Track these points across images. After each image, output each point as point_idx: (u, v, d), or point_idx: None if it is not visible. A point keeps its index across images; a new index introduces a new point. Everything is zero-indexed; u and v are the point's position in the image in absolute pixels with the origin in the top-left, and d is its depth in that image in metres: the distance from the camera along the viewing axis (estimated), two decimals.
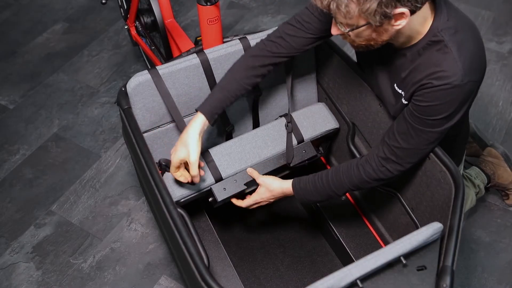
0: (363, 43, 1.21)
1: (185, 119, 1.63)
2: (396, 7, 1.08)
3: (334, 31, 1.22)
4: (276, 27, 1.49)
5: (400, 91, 1.33)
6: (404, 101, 1.32)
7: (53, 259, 2.00)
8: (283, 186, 1.51)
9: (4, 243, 2.05)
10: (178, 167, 1.45)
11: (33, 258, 2.01)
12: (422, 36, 1.22)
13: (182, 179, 1.47)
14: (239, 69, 1.47)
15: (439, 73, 1.18)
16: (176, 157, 1.43)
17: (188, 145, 1.40)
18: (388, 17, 1.10)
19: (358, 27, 1.15)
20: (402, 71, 1.30)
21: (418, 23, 1.20)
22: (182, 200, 1.55)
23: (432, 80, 1.19)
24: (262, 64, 1.46)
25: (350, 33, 1.18)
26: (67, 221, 2.11)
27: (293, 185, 1.49)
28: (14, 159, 2.33)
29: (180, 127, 1.56)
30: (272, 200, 1.57)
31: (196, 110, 1.45)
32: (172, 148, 1.45)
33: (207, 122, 1.44)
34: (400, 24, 1.13)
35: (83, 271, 1.97)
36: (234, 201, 1.60)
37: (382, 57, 1.37)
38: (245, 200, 1.58)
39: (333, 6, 1.11)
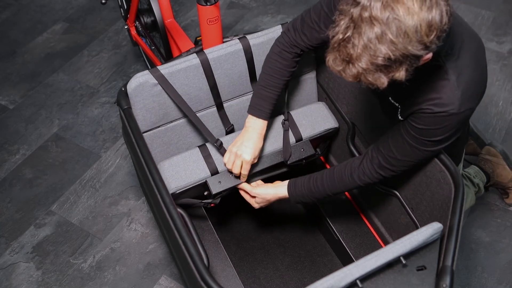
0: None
1: (184, 119, 1.63)
2: (422, 58, 1.06)
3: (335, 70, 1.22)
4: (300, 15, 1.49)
5: (396, 104, 1.34)
6: (400, 117, 1.33)
7: (53, 259, 2.00)
8: (278, 193, 1.55)
9: (4, 243, 2.05)
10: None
11: (33, 258, 2.01)
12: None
13: (233, 168, 1.56)
14: (276, 67, 1.51)
15: (437, 100, 1.19)
16: (232, 151, 1.54)
17: (247, 147, 1.53)
18: (414, 67, 1.09)
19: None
20: (401, 90, 1.27)
21: None
22: (178, 192, 1.56)
23: (431, 106, 1.20)
24: (294, 56, 1.50)
25: None
26: (67, 221, 2.11)
27: (288, 189, 1.53)
28: (14, 159, 2.33)
29: (195, 121, 1.59)
30: (263, 203, 1.62)
31: (250, 114, 1.54)
32: (233, 141, 1.56)
33: (266, 124, 1.55)
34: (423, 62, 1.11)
35: (83, 271, 1.97)
36: (242, 193, 1.65)
37: None
38: (247, 198, 1.64)
39: (362, 78, 1.09)
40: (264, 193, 1.57)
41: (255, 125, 1.54)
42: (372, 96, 1.53)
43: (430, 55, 1.07)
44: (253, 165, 1.62)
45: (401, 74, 1.06)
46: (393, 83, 1.24)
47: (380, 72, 1.06)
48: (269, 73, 1.51)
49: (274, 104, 1.54)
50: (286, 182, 1.55)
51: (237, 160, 1.54)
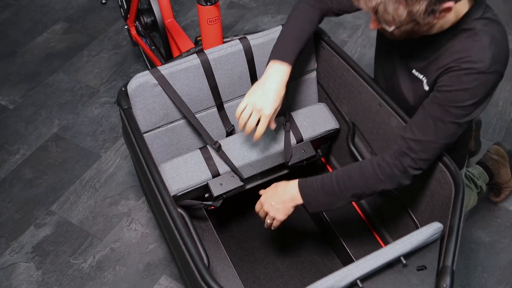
0: (403, 36, 1.22)
1: (185, 120, 1.63)
2: (443, 2, 1.10)
3: (373, 26, 1.22)
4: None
5: (420, 76, 1.32)
6: (425, 87, 1.31)
7: (53, 259, 2.00)
8: (289, 182, 1.40)
9: (4, 243, 2.05)
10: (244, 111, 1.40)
11: (33, 258, 2.01)
12: (454, 23, 1.22)
13: (248, 122, 1.41)
14: (302, 18, 1.47)
15: (466, 58, 1.18)
16: (250, 102, 1.39)
17: (268, 97, 1.37)
18: (434, 13, 1.12)
19: (402, 25, 1.16)
20: (426, 56, 1.29)
21: (455, 13, 1.20)
22: (179, 194, 1.56)
23: (459, 63, 1.19)
24: (319, 16, 1.49)
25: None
26: (67, 221, 2.11)
27: (299, 182, 1.38)
28: (14, 159, 2.33)
29: (194, 123, 1.57)
30: (278, 206, 1.42)
31: (272, 59, 1.42)
32: (249, 90, 1.41)
33: (289, 71, 1.40)
34: (445, 16, 1.14)
35: (83, 271, 1.97)
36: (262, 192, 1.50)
37: (403, 43, 1.35)
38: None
39: (381, 8, 1.12)
40: (275, 183, 1.43)
41: (278, 71, 1.39)
42: (390, 76, 1.46)
43: (451, 3, 1.09)
44: (253, 167, 1.62)
45: (421, 8, 1.08)
46: (418, 54, 1.28)
47: (399, 4, 1.08)
48: (295, 19, 1.46)
49: (298, 54, 1.43)
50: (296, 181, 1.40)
51: (255, 113, 1.39)
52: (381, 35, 1.47)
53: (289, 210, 1.42)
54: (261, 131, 1.42)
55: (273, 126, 1.49)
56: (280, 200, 1.41)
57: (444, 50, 1.24)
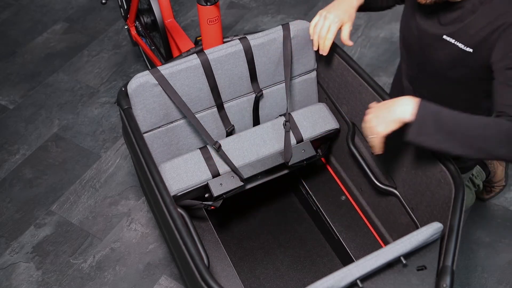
0: None
1: (185, 120, 1.63)
2: None
3: None
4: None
5: (452, 40, 1.34)
6: (465, 48, 1.31)
7: (53, 259, 2.00)
8: (406, 97, 1.23)
9: (4, 243, 2.05)
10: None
11: (33, 258, 2.01)
12: None
13: (320, 31, 1.50)
14: None
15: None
16: (322, 14, 1.48)
17: (338, 8, 1.46)
18: None
19: None
20: (459, 21, 1.31)
21: None
22: (179, 194, 1.56)
23: (507, 18, 1.21)
24: None
25: None
26: (67, 221, 2.11)
27: (420, 100, 1.20)
28: (14, 159, 2.33)
29: (194, 123, 1.57)
30: (382, 115, 1.24)
31: None
32: (326, 7, 1.50)
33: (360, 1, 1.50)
34: None
35: (83, 271, 1.97)
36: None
37: (430, 15, 1.38)
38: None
39: None
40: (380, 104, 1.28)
41: None
42: (420, 48, 1.46)
43: None
44: (253, 167, 1.62)
45: None
46: (449, 19, 1.33)
47: None
48: None
49: None
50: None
51: (326, 22, 1.47)
52: (406, 13, 1.50)
53: (391, 124, 1.22)
54: (330, 38, 1.48)
55: (347, 41, 1.50)
56: (387, 109, 1.23)
57: (479, 13, 1.26)
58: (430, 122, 1.16)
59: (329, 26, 1.47)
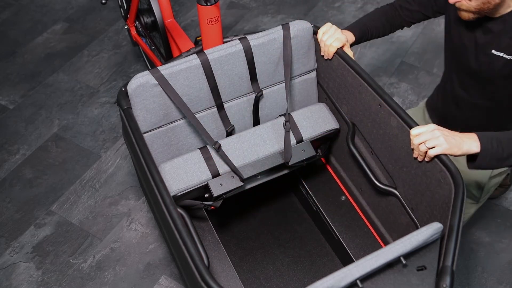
0: (478, 7, 1.37)
1: (185, 120, 1.63)
2: None
3: (452, 0, 1.38)
4: None
5: (501, 54, 1.45)
6: (509, 57, 1.43)
7: (53, 259, 2.00)
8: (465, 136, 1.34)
9: (4, 243, 2.05)
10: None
11: (33, 258, 2.01)
12: None
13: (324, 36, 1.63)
14: (382, 9, 1.73)
15: None
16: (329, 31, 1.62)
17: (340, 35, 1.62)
18: None
19: None
20: (503, 35, 1.43)
21: None
22: (179, 194, 1.56)
23: None
24: (395, 24, 1.73)
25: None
26: (67, 221, 2.11)
27: (478, 133, 1.33)
28: (14, 159, 2.33)
29: (194, 123, 1.57)
30: (453, 138, 1.33)
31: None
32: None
33: (351, 39, 1.66)
34: None
35: (83, 271, 1.97)
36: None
37: (474, 30, 1.50)
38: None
39: None
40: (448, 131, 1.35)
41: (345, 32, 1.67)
42: (465, 62, 1.57)
43: None
44: (253, 167, 1.62)
45: None
46: (494, 35, 1.43)
47: None
48: (375, 12, 1.73)
49: (363, 32, 1.69)
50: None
51: (335, 33, 1.62)
52: (449, 28, 1.60)
53: (459, 147, 1.32)
54: (335, 46, 1.61)
55: (348, 51, 1.65)
56: (457, 136, 1.34)
57: None
58: (495, 148, 1.31)
59: (336, 36, 1.61)
